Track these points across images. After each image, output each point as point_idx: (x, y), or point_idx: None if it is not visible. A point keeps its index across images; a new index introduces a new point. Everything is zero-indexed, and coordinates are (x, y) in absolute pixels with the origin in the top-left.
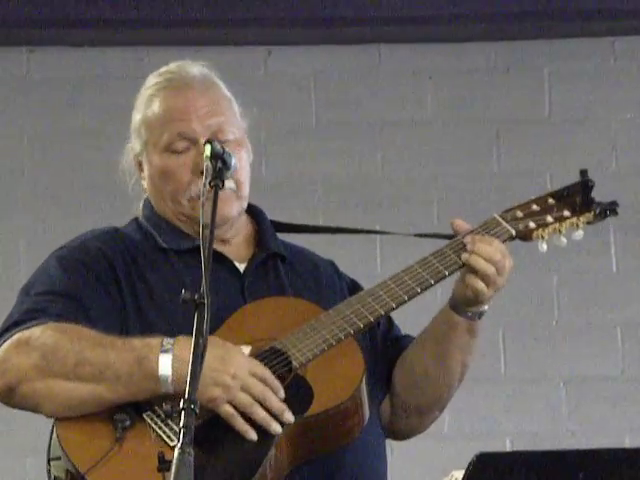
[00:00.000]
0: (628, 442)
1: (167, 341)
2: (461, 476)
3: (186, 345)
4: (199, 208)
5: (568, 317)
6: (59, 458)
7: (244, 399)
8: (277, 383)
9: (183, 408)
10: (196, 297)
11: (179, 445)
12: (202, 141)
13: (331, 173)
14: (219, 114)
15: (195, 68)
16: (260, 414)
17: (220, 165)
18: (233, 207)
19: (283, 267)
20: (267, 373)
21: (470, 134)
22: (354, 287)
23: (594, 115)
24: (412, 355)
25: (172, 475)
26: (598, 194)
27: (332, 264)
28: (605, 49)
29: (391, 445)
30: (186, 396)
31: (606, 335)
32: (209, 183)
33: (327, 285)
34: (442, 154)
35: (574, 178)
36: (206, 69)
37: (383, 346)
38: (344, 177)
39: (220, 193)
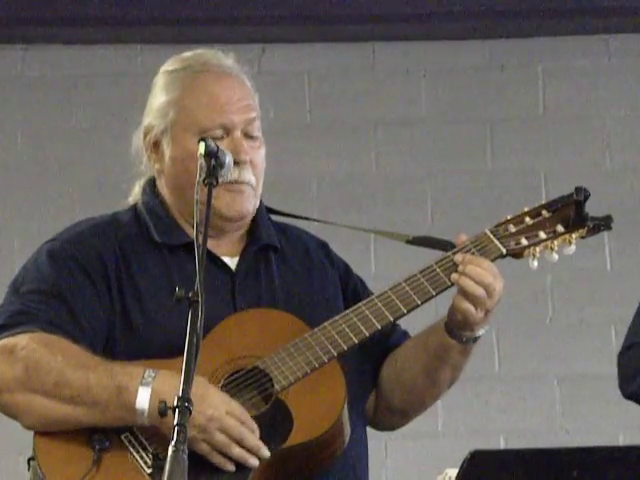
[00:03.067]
0: (622, 440)
1: (149, 373)
2: (455, 474)
3: (166, 380)
4: (222, 198)
5: (562, 315)
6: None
7: (220, 440)
8: (253, 423)
9: (177, 406)
10: (190, 295)
11: (173, 443)
12: (237, 133)
13: (325, 171)
14: (253, 109)
15: (228, 59)
16: (236, 452)
17: (214, 163)
18: (250, 204)
19: (275, 258)
20: (244, 413)
21: (464, 132)
22: (346, 273)
23: (588, 113)
24: (402, 361)
25: (166, 473)
26: (592, 193)
27: (324, 247)
28: (599, 47)
29: (385, 443)
30: (180, 394)
31: (600, 333)
32: (203, 181)
33: (317, 274)
34: (436, 152)
35: (568, 176)
36: (237, 63)
37: (371, 341)
38: (338, 175)
39: (242, 187)
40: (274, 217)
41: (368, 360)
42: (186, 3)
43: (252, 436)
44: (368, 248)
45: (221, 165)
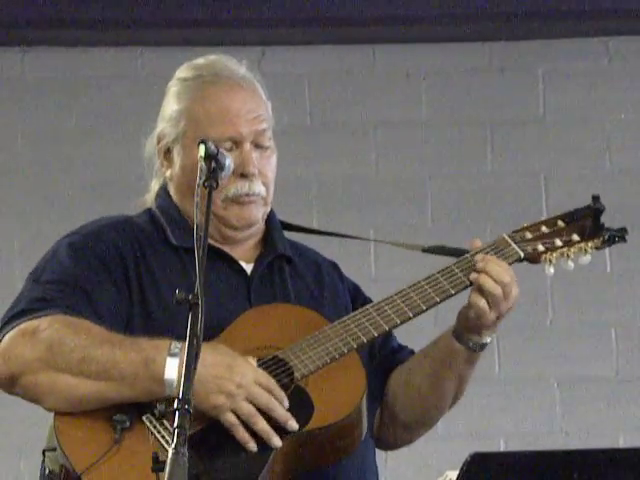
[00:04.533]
0: (622, 442)
1: (175, 345)
2: (455, 476)
3: None
4: (231, 210)
5: (562, 318)
6: (55, 449)
7: (247, 409)
8: (282, 393)
9: (177, 409)
10: (190, 297)
11: (173, 445)
12: (247, 145)
13: (325, 173)
14: (264, 121)
15: (241, 67)
16: (262, 425)
17: (214, 165)
18: (259, 213)
19: (288, 269)
20: (272, 383)
21: (464, 134)
22: (356, 292)
23: (588, 115)
24: (408, 372)
25: (166, 475)
26: (592, 195)
27: (335, 266)
28: (599, 49)
29: None
30: (180, 396)
31: (600, 336)
32: (203, 184)
33: (329, 289)
34: (437, 154)
35: (568, 179)
36: (250, 71)
37: (380, 356)
38: (338, 177)
39: (252, 199)
40: (286, 233)
41: (375, 376)
42: (187, 5)
43: (280, 407)
44: (368, 252)
45: (221, 168)
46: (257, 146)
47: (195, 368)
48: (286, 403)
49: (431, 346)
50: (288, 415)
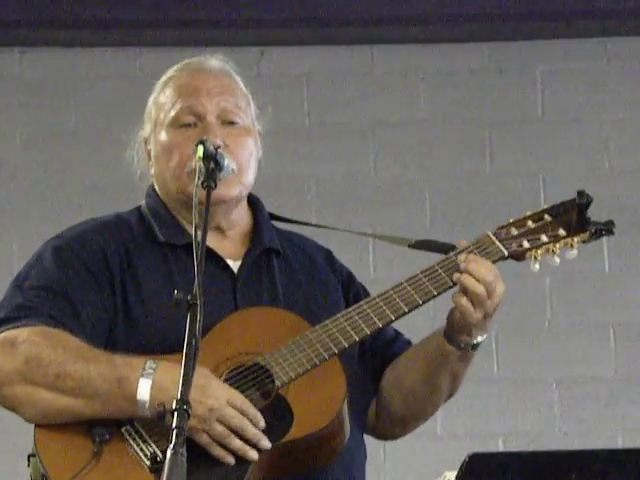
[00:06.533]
0: (621, 443)
1: (150, 365)
2: (454, 476)
3: (167, 371)
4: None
5: (561, 318)
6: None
7: (220, 431)
8: (256, 412)
9: (175, 409)
10: (189, 298)
11: (171, 446)
12: (210, 118)
13: (323, 174)
14: (230, 95)
15: (216, 61)
16: (236, 444)
17: (212, 166)
18: (234, 188)
19: (277, 262)
20: (246, 403)
21: (463, 135)
22: (349, 280)
23: (587, 116)
24: (402, 368)
25: (165, 475)
26: (591, 196)
27: (328, 254)
28: (598, 50)
29: (384, 445)
30: (178, 397)
31: (599, 336)
32: (202, 184)
33: (320, 284)
34: (435, 154)
35: (567, 179)
36: (226, 64)
37: (373, 349)
38: (336, 178)
39: (220, 174)
40: (278, 224)
41: (370, 367)
42: (185, 6)
43: (252, 427)
44: (367, 252)
45: (220, 168)
46: (225, 122)
47: (194, 368)
48: (262, 423)
49: (423, 345)
50: (259, 435)
